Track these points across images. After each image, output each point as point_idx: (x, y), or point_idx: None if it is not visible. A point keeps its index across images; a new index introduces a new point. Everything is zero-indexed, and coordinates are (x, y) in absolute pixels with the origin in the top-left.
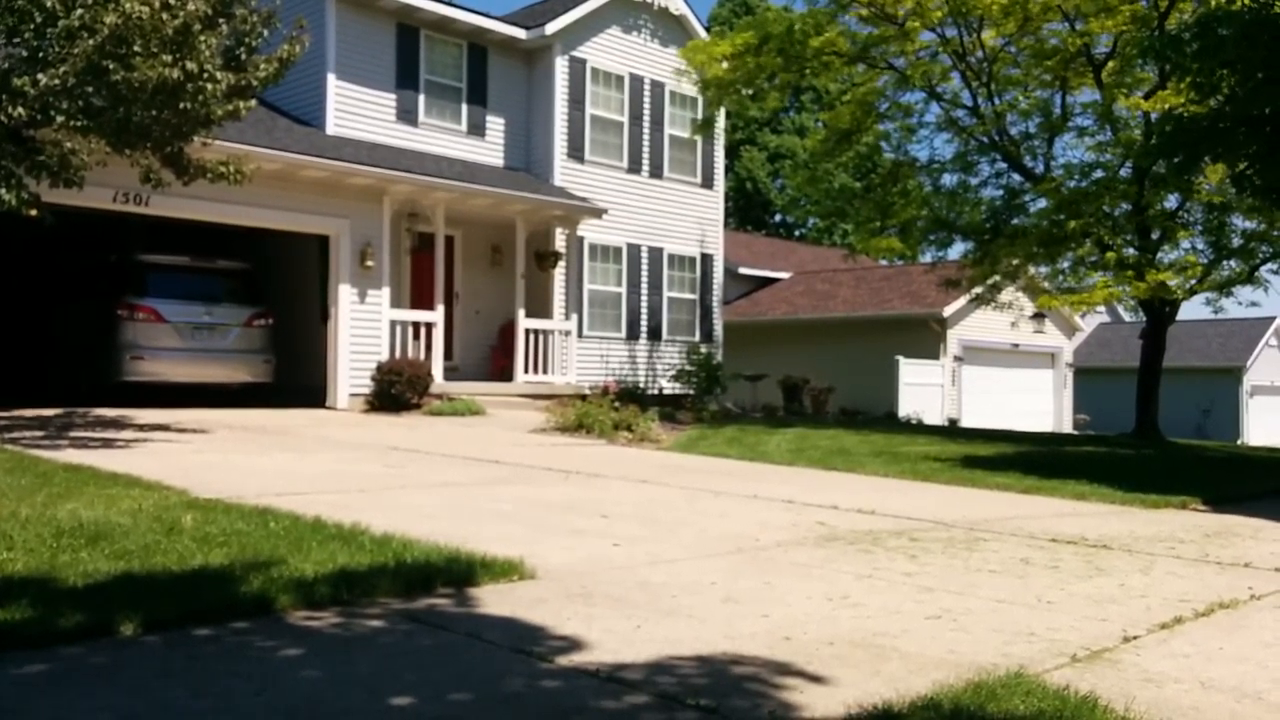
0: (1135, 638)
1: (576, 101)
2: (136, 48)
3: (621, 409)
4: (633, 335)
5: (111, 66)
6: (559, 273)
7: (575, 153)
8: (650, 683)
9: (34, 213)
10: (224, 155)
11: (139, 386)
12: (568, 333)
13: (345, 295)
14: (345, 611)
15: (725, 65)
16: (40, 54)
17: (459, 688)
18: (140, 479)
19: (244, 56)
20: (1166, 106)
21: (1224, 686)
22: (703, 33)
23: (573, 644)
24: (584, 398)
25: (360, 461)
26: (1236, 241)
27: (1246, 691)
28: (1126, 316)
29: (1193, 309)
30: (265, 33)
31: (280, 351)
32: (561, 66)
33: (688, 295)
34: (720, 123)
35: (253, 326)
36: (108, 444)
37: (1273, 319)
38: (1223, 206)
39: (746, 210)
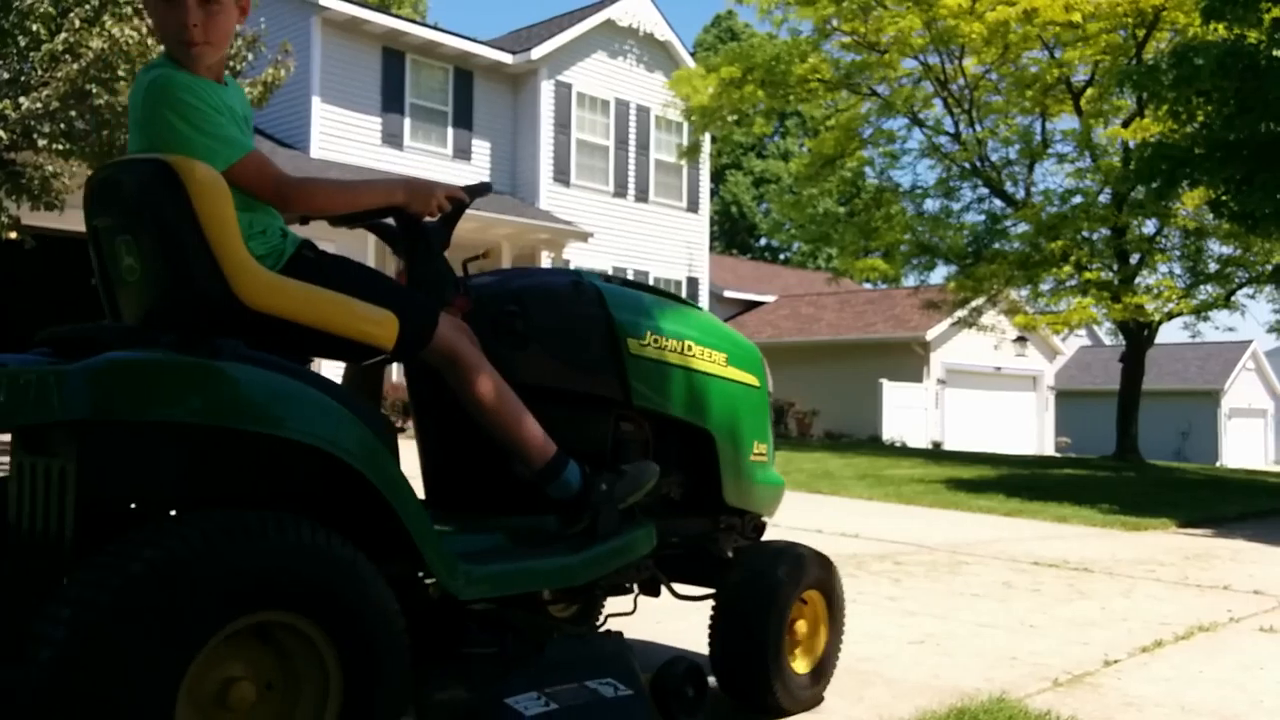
0: (1116, 661)
1: (562, 125)
2: (121, 72)
3: None
4: None
5: (95, 90)
6: None
7: (561, 176)
8: None
9: (14, 235)
10: None
11: None
12: None
13: None
14: None
15: (710, 94)
16: (23, 77)
17: None
18: None
19: (228, 80)
20: (1144, 135)
21: (1204, 709)
22: (688, 58)
23: None
24: None
25: None
26: (1213, 266)
27: (1226, 714)
28: (1106, 340)
29: (1171, 333)
30: (250, 56)
31: None
32: (548, 91)
33: None
34: (706, 147)
35: None
36: None
37: (1249, 343)
38: (1199, 231)
39: (732, 234)
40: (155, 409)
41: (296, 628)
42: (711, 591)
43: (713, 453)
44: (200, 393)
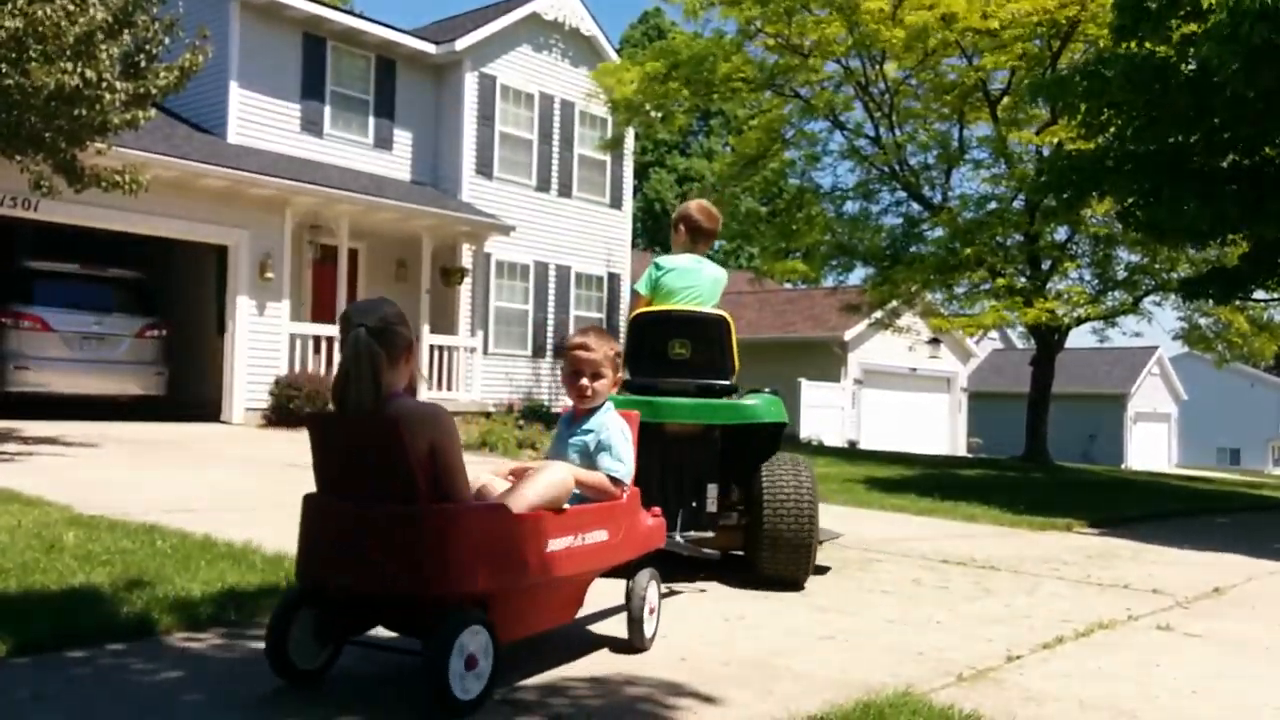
0: (1018, 657)
1: (486, 118)
2: (32, 53)
3: (526, 427)
4: (538, 353)
5: (4, 70)
6: (465, 289)
7: (484, 169)
8: (543, 704)
9: None
10: (119, 163)
11: (24, 398)
12: (473, 349)
13: (243, 307)
14: (230, 633)
15: (634, 88)
16: None
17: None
18: (21, 494)
19: (144, 64)
20: (1056, 139)
21: (1101, 704)
22: (613, 54)
23: None
24: (488, 415)
25: (255, 477)
26: (1121, 274)
27: (1122, 709)
28: (1019, 343)
29: (1081, 338)
30: (167, 40)
31: (175, 364)
32: (471, 82)
33: (594, 314)
34: (629, 144)
35: (145, 337)
36: None
37: (1155, 348)
38: (1109, 239)
39: (654, 231)
40: (770, 417)
41: None
42: None
43: None
44: (778, 409)
